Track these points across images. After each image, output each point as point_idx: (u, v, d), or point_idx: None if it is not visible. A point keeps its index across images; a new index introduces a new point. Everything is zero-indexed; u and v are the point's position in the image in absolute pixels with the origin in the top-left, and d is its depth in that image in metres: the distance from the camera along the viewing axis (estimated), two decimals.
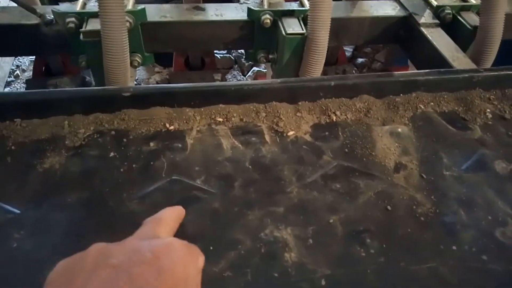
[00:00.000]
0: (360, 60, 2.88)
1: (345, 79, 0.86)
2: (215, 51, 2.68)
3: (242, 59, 2.71)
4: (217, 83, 1.03)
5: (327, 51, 1.53)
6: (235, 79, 2.82)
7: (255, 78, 2.58)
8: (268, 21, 1.10)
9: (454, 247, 0.63)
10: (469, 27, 1.13)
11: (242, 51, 2.51)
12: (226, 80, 2.48)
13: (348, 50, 2.89)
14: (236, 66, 2.78)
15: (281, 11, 1.11)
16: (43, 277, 0.53)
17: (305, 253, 0.61)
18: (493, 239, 0.64)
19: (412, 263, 0.61)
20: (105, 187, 0.68)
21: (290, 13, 1.11)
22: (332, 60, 1.60)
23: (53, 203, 0.65)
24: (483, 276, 0.59)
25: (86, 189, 0.67)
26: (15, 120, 0.76)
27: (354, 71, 1.65)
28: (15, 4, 1.06)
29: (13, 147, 0.72)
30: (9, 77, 2.72)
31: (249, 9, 1.12)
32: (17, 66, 2.79)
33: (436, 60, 1.07)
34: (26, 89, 1.32)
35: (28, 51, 1.18)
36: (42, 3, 1.24)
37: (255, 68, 2.69)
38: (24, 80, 2.56)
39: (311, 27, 1.01)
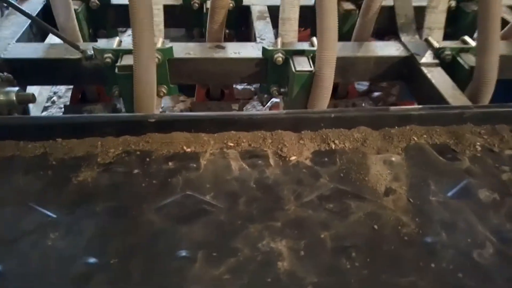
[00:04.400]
0: (376, 94, 2.98)
1: (344, 112, 0.96)
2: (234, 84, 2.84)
3: None
4: (230, 112, 1.15)
5: (338, 86, 1.65)
6: (254, 109, 2.97)
7: (271, 109, 2.72)
8: (280, 59, 1.22)
9: (433, 265, 0.70)
10: (467, 67, 1.22)
11: None
12: (244, 110, 2.62)
13: (365, 84, 3.00)
14: (256, 97, 2.93)
15: (293, 50, 1.24)
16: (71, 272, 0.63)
17: (296, 262, 0.69)
18: (470, 259, 0.71)
19: (394, 276, 0.68)
20: (129, 199, 0.79)
21: (301, 52, 1.24)
22: (343, 94, 1.70)
23: (84, 210, 0.76)
24: None
25: (112, 200, 0.78)
26: (57, 139, 0.89)
27: (364, 104, 1.75)
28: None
29: (53, 162, 0.85)
30: (46, 102, 2.96)
31: (263, 48, 1.25)
32: (54, 93, 3.03)
33: (434, 97, 1.16)
34: (63, 113, 1.48)
35: (70, 81, 1.35)
36: (84, 39, 1.42)
37: (274, 99, 2.81)
38: (60, 106, 2.78)
39: (318, 65, 1.13)
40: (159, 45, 1.21)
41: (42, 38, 1.49)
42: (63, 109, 2.60)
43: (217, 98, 1.65)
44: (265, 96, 2.90)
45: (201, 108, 1.59)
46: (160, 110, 2.92)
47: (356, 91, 1.76)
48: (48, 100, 3.01)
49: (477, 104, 1.10)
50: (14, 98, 1.07)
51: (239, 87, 2.92)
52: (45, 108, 2.99)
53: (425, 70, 1.23)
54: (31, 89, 1.86)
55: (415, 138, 0.95)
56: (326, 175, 0.86)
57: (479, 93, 1.16)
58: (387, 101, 2.88)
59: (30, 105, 1.77)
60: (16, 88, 1.10)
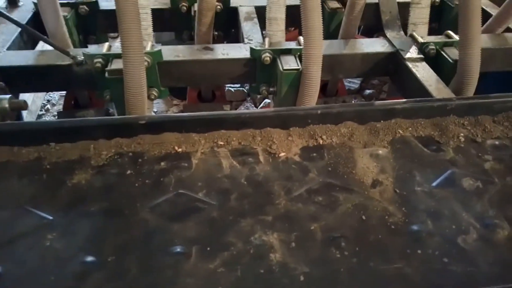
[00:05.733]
0: (368, 91, 3.01)
1: (331, 108, 0.98)
2: (228, 85, 2.86)
3: None
4: (220, 112, 1.17)
5: (328, 84, 1.68)
6: None
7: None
8: (268, 58, 1.25)
9: (419, 251, 0.72)
10: (451, 60, 1.25)
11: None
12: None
13: (356, 82, 3.03)
14: (249, 98, 2.95)
15: (280, 49, 1.26)
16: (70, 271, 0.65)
17: (287, 254, 0.71)
18: (455, 244, 0.73)
19: (381, 264, 0.70)
20: (122, 199, 0.81)
21: (288, 52, 1.26)
22: (333, 92, 1.73)
23: (79, 211, 0.78)
24: (443, 276, 0.68)
25: (106, 201, 0.80)
26: (50, 144, 0.91)
27: (353, 102, 1.78)
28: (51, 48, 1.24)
29: (48, 166, 0.87)
30: (40, 110, 2.96)
31: (251, 49, 1.27)
32: (48, 101, 3.03)
33: (419, 91, 1.19)
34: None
35: (61, 87, 1.37)
36: (74, 45, 1.44)
37: (267, 100, 2.83)
38: (54, 113, 2.79)
39: (305, 63, 1.15)
40: (148, 48, 1.23)
41: (33, 46, 1.50)
42: (57, 116, 2.61)
43: (208, 100, 1.67)
44: (258, 97, 2.92)
45: (193, 110, 1.61)
46: (153, 113, 2.93)
47: (345, 89, 1.79)
48: (42, 108, 3.02)
49: (460, 96, 1.13)
50: (7, 105, 1.08)
51: (232, 89, 2.95)
52: (39, 116, 2.99)
53: (410, 65, 1.26)
54: (24, 98, 1.87)
55: (400, 131, 0.98)
56: (315, 170, 0.88)
57: (462, 86, 1.19)
58: (379, 98, 2.92)
59: (24, 114, 1.79)
60: (9, 96, 1.11)
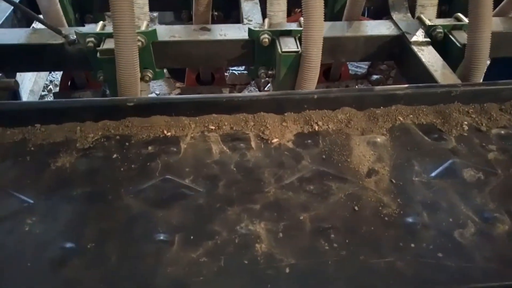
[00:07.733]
0: (375, 77, 2.94)
1: (328, 92, 0.93)
2: (233, 68, 2.81)
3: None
4: (211, 95, 1.13)
5: (331, 68, 1.62)
6: None
7: None
8: (267, 40, 1.20)
9: (412, 245, 0.69)
10: (459, 45, 1.19)
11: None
12: None
13: (363, 67, 2.96)
14: (253, 82, 2.89)
15: (279, 31, 1.21)
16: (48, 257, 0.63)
17: (274, 244, 0.68)
18: (451, 238, 0.69)
19: (372, 257, 0.67)
20: (106, 184, 0.78)
21: (288, 33, 1.21)
22: (336, 77, 1.68)
23: (61, 195, 0.76)
24: (436, 271, 0.65)
25: (90, 185, 0.78)
26: (35, 125, 0.88)
27: (357, 87, 1.72)
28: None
29: (32, 148, 0.84)
30: (43, 91, 2.95)
31: (249, 30, 1.22)
32: (51, 81, 3.02)
33: (424, 76, 1.13)
34: None
35: (54, 67, 1.33)
36: (70, 24, 1.40)
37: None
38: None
39: (304, 45, 1.10)
40: (143, 28, 1.19)
41: (28, 24, 1.47)
42: (53, 97, 2.59)
43: (207, 82, 1.63)
44: (263, 81, 2.86)
45: (191, 92, 1.57)
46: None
47: (349, 74, 1.73)
48: (44, 88, 3.00)
49: (466, 83, 1.07)
50: None
51: (236, 72, 2.89)
52: (42, 97, 2.98)
53: (415, 49, 1.20)
54: (26, 78, 1.85)
55: (401, 118, 0.93)
56: (308, 157, 0.84)
57: (470, 71, 1.13)
58: (386, 84, 2.84)
59: (26, 94, 1.76)
60: None
